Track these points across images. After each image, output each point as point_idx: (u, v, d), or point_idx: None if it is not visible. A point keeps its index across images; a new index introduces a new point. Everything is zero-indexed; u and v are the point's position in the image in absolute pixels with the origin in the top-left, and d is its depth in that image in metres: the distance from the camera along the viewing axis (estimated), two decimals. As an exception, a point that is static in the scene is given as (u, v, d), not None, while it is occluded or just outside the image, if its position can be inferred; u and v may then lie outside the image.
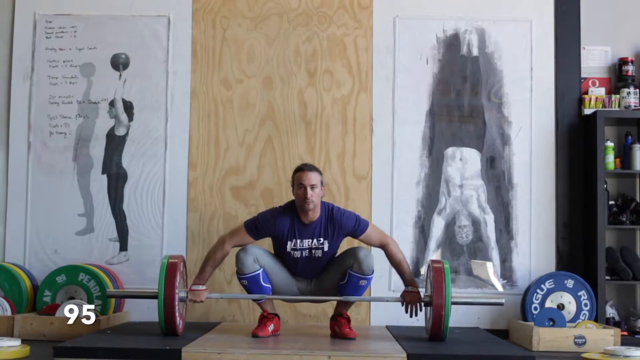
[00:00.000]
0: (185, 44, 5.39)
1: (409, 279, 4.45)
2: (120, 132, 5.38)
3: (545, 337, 4.65)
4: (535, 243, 5.30)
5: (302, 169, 4.40)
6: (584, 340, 4.63)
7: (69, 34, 5.42)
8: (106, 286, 4.98)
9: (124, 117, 5.38)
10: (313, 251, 4.42)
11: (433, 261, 4.38)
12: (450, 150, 5.37)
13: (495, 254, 5.31)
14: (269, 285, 4.43)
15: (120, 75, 5.39)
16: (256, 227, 4.41)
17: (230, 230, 4.59)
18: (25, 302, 5.02)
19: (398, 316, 5.14)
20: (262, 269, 4.38)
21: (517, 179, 5.34)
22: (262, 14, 5.41)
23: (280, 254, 4.48)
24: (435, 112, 5.38)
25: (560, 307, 5.04)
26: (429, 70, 5.39)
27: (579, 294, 5.05)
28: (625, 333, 5.02)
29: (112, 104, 5.39)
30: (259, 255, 4.39)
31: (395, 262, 4.46)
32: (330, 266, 4.47)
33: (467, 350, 4.12)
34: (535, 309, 5.04)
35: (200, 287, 4.40)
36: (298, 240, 4.40)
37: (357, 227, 4.42)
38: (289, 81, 5.37)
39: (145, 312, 5.15)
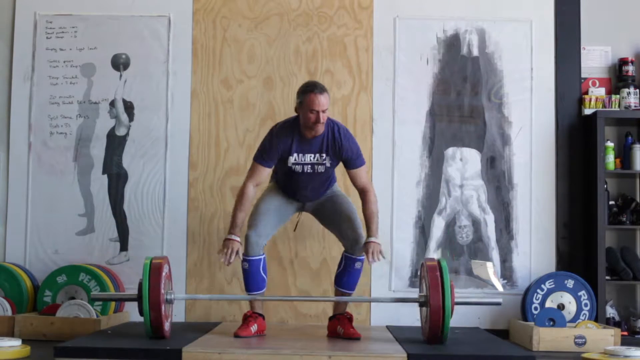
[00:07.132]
0: (185, 44, 5.39)
1: (374, 231, 4.37)
2: (120, 132, 5.39)
3: (545, 337, 4.65)
4: (535, 243, 5.30)
5: (313, 90, 4.23)
6: (584, 340, 4.63)
7: (70, 34, 5.42)
8: (107, 286, 4.98)
9: (124, 117, 5.39)
10: (316, 167, 4.38)
11: (427, 259, 4.23)
12: (450, 151, 5.37)
13: (495, 254, 5.31)
14: (265, 278, 4.43)
15: (121, 75, 5.39)
16: (263, 157, 4.38)
17: (247, 173, 4.50)
18: (25, 302, 5.03)
19: (398, 316, 5.16)
20: (264, 256, 4.39)
21: (517, 179, 5.34)
22: (263, 14, 5.41)
23: (282, 171, 4.47)
24: (436, 112, 5.38)
25: (561, 307, 5.04)
26: (429, 70, 5.39)
27: (579, 294, 5.05)
28: (626, 333, 5.02)
29: (112, 104, 5.39)
30: (267, 235, 4.43)
31: (367, 213, 4.39)
32: (335, 200, 4.51)
33: (467, 351, 4.12)
34: (536, 309, 5.04)
35: (234, 237, 4.28)
36: (300, 155, 4.35)
37: (355, 159, 4.39)
38: (290, 81, 5.37)
39: (146, 312, 5.16)
